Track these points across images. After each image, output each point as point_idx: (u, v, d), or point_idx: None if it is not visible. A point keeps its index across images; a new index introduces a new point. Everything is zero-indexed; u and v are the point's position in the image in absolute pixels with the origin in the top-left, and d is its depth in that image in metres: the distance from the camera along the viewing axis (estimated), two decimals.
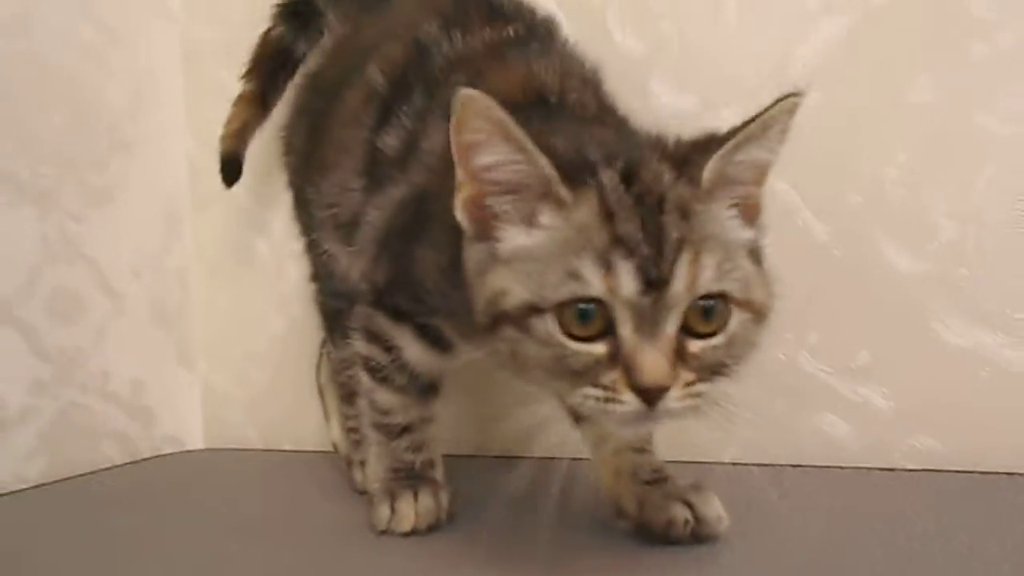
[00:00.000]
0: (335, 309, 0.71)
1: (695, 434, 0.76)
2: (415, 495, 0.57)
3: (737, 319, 0.44)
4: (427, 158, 0.55)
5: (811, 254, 0.73)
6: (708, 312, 0.43)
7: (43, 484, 0.81)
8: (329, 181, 0.66)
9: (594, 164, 0.44)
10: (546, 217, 0.44)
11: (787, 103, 0.45)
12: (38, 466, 0.83)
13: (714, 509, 0.53)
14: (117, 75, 0.91)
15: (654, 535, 0.53)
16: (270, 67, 0.81)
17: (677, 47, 0.77)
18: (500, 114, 0.43)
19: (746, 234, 0.46)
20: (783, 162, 0.71)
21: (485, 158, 0.44)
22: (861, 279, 0.71)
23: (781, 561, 0.50)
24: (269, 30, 0.81)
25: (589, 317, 0.42)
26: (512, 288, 0.43)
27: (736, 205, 0.46)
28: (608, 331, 0.42)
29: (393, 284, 0.57)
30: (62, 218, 0.87)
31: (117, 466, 0.89)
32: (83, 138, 0.88)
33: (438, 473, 0.60)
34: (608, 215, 0.42)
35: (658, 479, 0.55)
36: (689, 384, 0.42)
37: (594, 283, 0.41)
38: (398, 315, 0.57)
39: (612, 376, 0.42)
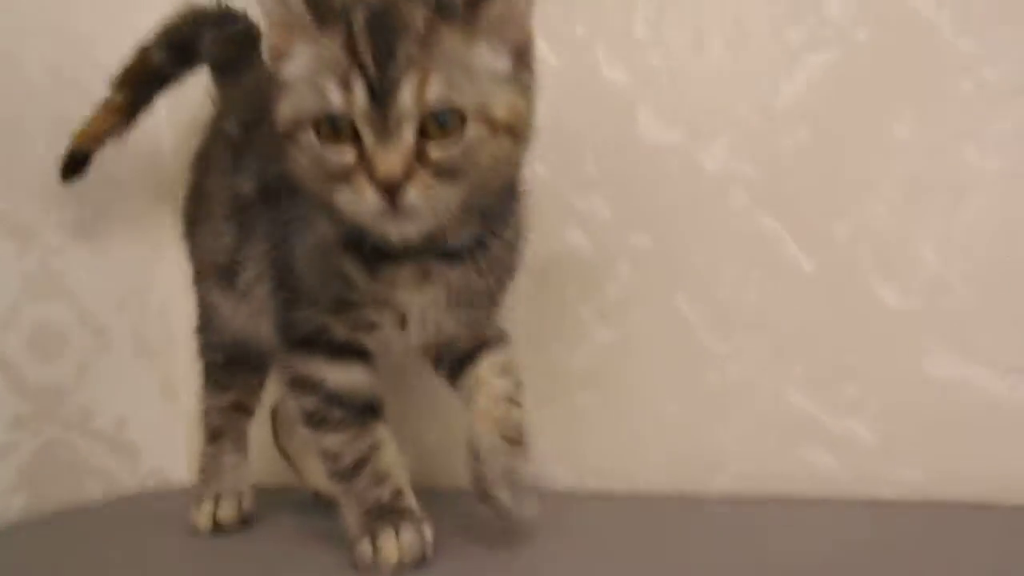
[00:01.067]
0: (211, 360, 0.77)
1: (684, 464, 0.76)
2: (396, 532, 0.56)
3: (474, 131, 0.51)
4: (268, 178, 0.63)
5: (798, 287, 0.73)
6: (441, 123, 0.51)
7: (23, 522, 0.80)
8: (206, 227, 0.72)
9: (347, 8, 0.53)
10: (303, 49, 0.53)
11: None
12: (18, 502, 0.82)
13: (530, 508, 0.58)
14: None
15: (479, 497, 0.59)
16: (144, 84, 0.84)
17: (664, 79, 0.78)
18: None
19: (501, 66, 0.53)
20: (769, 194, 0.73)
21: (267, 7, 0.55)
22: (848, 312, 0.71)
23: None
24: (148, 50, 0.83)
25: (338, 128, 0.51)
26: (284, 110, 0.54)
27: (492, 38, 0.53)
28: (356, 140, 0.51)
29: (289, 305, 0.61)
30: (44, 253, 0.86)
31: (100, 502, 0.88)
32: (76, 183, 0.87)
33: (411, 503, 0.59)
34: (351, 46, 0.51)
35: (515, 440, 0.59)
36: (428, 185, 0.50)
37: (335, 100, 0.51)
38: (308, 346, 0.60)
39: (359, 177, 0.50)
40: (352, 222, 0.53)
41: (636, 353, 0.79)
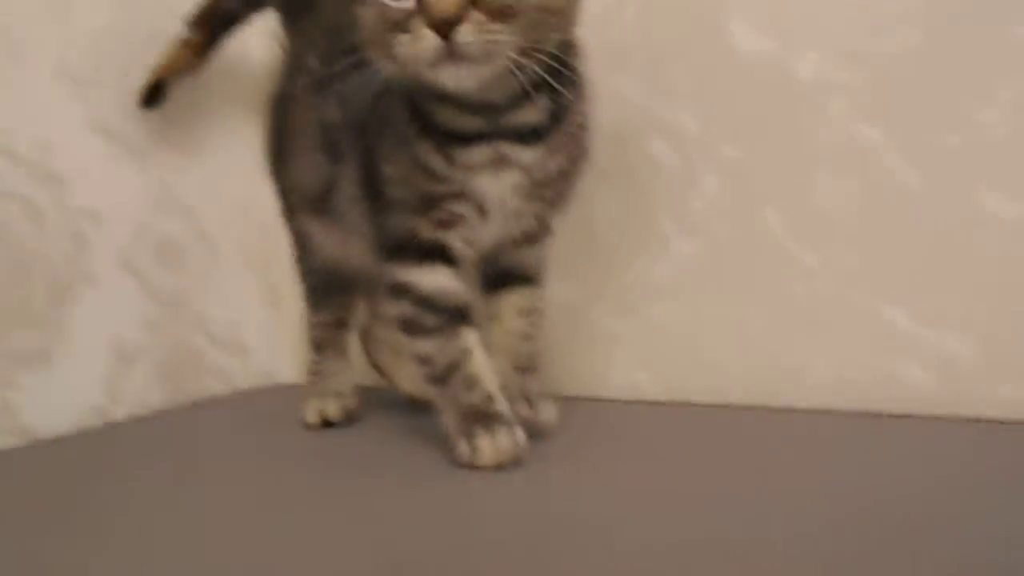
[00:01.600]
0: (310, 284, 0.83)
1: (766, 376, 0.77)
2: (492, 434, 0.61)
3: None
4: (355, 100, 0.65)
5: (899, 198, 0.70)
6: None
7: (162, 412, 0.91)
8: (298, 162, 0.76)
9: None
10: None
11: None
12: (156, 395, 0.92)
13: (547, 414, 0.67)
14: None
15: None
16: (216, 25, 0.89)
17: None
18: None
19: None
20: (871, 103, 0.70)
21: None
22: (953, 223, 0.68)
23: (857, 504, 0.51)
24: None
25: None
26: None
27: None
28: None
29: (381, 212, 0.65)
30: (162, 171, 0.93)
31: (220, 397, 0.98)
32: (182, 105, 0.93)
33: (502, 407, 0.63)
34: None
35: (526, 368, 0.68)
36: (481, 24, 0.52)
37: None
38: (399, 253, 0.65)
39: (417, 21, 0.53)
40: (414, 77, 0.56)
41: (719, 265, 0.79)
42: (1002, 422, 0.65)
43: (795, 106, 0.73)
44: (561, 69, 0.59)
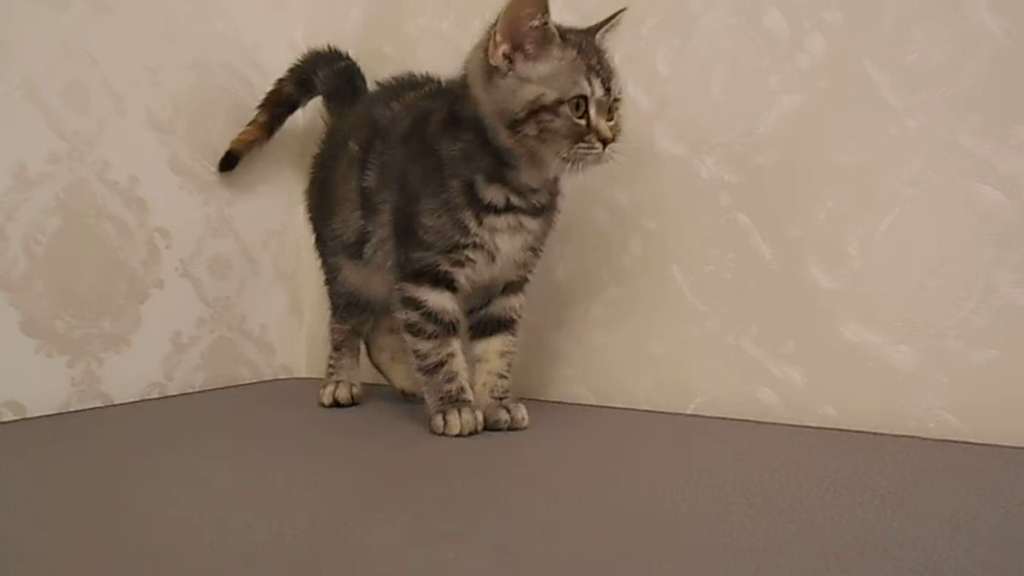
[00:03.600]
0: (336, 303, 1.08)
1: (668, 390, 1.03)
2: (459, 412, 0.86)
3: (620, 113, 0.86)
4: (394, 172, 0.91)
5: (759, 268, 0.98)
6: (614, 108, 0.84)
7: (202, 391, 1.15)
8: (338, 218, 0.99)
9: (568, 32, 0.83)
10: (556, 53, 0.81)
11: (622, 9, 0.87)
12: (200, 378, 1.17)
13: (521, 414, 0.89)
14: None
15: (490, 426, 0.89)
16: (279, 108, 1.17)
17: (676, 106, 1.02)
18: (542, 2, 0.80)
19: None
20: (745, 198, 0.97)
21: (535, 22, 0.80)
22: (792, 289, 0.95)
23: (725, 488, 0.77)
24: (282, 82, 1.16)
25: (580, 107, 0.81)
26: (547, 92, 0.81)
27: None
28: (585, 114, 0.81)
29: (408, 247, 0.89)
30: (220, 203, 1.19)
31: (249, 384, 1.22)
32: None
33: (470, 395, 0.88)
34: (586, 56, 0.82)
35: (501, 396, 0.91)
36: (614, 142, 0.83)
37: (586, 87, 0.81)
38: (418, 277, 0.89)
39: (589, 135, 0.81)
40: (572, 161, 0.82)
41: (639, 307, 1.06)
42: (823, 429, 0.92)
43: (696, 195, 1.01)
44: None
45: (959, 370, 0.86)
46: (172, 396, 1.12)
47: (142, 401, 1.08)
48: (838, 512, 0.61)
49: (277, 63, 1.20)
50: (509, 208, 0.87)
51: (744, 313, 0.99)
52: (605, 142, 0.81)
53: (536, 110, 0.80)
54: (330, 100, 1.13)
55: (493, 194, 0.86)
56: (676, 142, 1.03)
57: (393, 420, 0.97)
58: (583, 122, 0.81)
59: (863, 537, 0.55)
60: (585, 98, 0.80)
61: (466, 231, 0.86)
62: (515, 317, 0.95)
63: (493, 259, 0.88)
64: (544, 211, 0.89)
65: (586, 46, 0.82)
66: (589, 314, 1.09)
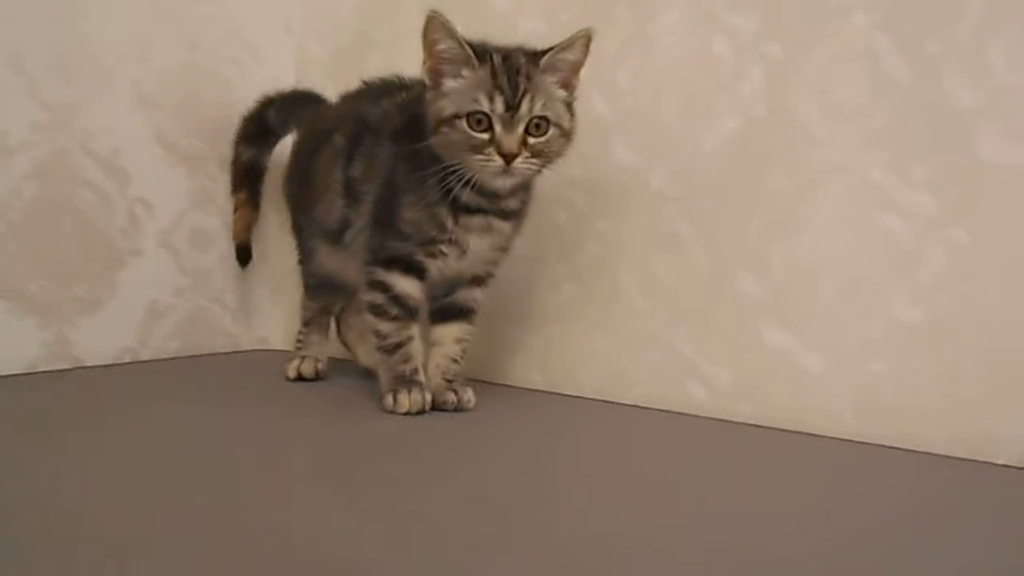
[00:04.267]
0: (308, 282, 1.14)
1: (610, 381, 1.12)
2: (409, 392, 0.93)
3: (552, 131, 0.88)
4: (381, 165, 0.95)
5: (696, 274, 1.06)
6: (538, 125, 0.87)
7: (175, 359, 1.21)
8: (320, 206, 1.04)
9: (490, 52, 0.88)
10: (465, 74, 0.87)
11: (584, 31, 0.89)
12: (173, 345, 1.23)
13: (468, 396, 0.96)
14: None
15: (438, 406, 0.95)
16: (249, 179, 1.23)
17: (633, 118, 1.09)
18: (450, 25, 0.86)
19: (562, 95, 0.90)
20: (688, 209, 1.06)
21: (442, 45, 0.87)
22: (722, 294, 1.04)
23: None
24: (238, 155, 1.22)
25: (481, 122, 0.85)
26: (448, 106, 0.86)
27: (557, 80, 0.90)
28: (490, 129, 0.85)
29: (385, 235, 0.94)
30: (204, 178, 1.25)
31: (226, 353, 1.28)
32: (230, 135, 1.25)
33: (421, 377, 0.96)
34: (494, 75, 0.86)
35: (451, 379, 0.98)
36: (528, 157, 0.87)
37: (484, 104, 0.85)
38: (390, 263, 0.94)
39: (490, 149, 0.85)
40: (473, 177, 0.87)
41: (590, 303, 1.14)
42: (743, 425, 1.00)
43: (646, 204, 1.09)
44: (532, 184, 0.97)
45: (858, 377, 0.95)
46: (144, 361, 1.16)
47: (113, 365, 1.12)
48: (735, 503, 0.69)
49: (271, 46, 1.25)
50: (480, 210, 0.93)
51: (680, 314, 1.07)
52: (506, 157, 0.85)
53: (440, 122, 0.87)
54: (291, 117, 1.19)
55: (467, 196, 0.92)
56: (630, 153, 1.10)
57: (350, 396, 1.03)
58: (484, 136, 0.85)
59: (754, 525, 0.64)
60: (486, 114, 0.85)
61: (443, 227, 0.93)
62: (475, 307, 1.02)
63: (464, 254, 0.95)
64: (514, 216, 0.96)
65: (504, 66, 0.86)
66: (545, 308, 1.17)
